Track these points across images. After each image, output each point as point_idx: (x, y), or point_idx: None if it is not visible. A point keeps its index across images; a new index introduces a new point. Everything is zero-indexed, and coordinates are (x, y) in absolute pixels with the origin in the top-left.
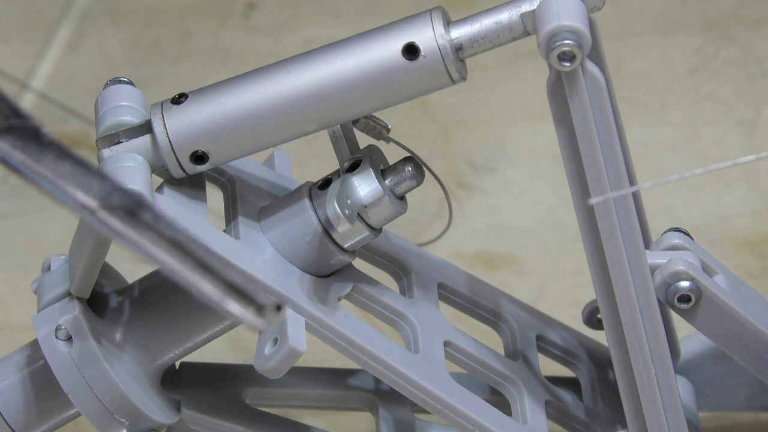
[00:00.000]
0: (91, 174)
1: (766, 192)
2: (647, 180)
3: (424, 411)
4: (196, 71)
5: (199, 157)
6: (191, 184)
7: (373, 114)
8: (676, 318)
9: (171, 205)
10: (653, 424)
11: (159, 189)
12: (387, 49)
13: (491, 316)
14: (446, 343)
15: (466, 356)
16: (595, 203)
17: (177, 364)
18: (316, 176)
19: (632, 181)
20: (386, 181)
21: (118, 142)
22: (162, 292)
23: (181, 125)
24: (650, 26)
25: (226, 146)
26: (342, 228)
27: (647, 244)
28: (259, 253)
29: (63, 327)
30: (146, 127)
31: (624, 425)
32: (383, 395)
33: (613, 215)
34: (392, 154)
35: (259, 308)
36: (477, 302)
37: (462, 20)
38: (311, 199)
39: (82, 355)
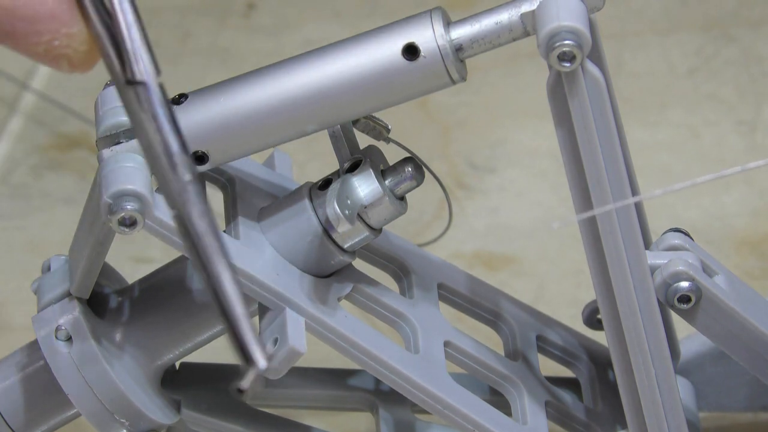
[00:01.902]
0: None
1: (766, 192)
2: (647, 180)
3: (424, 411)
4: (196, 71)
5: (199, 158)
6: None
7: (373, 114)
8: (676, 318)
9: None
10: (653, 424)
11: (159, 189)
12: (387, 49)
13: (491, 317)
14: (446, 344)
15: (466, 356)
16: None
17: (177, 364)
18: (316, 176)
19: (632, 182)
20: (386, 182)
21: (118, 143)
22: (162, 293)
23: (181, 125)
24: (650, 26)
25: (226, 147)
26: (342, 228)
27: (647, 245)
28: (259, 253)
29: (63, 327)
30: None
31: (624, 425)
32: (383, 395)
33: (613, 216)
34: (392, 154)
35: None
36: (477, 302)
37: (462, 20)
38: (311, 200)
39: (82, 356)
